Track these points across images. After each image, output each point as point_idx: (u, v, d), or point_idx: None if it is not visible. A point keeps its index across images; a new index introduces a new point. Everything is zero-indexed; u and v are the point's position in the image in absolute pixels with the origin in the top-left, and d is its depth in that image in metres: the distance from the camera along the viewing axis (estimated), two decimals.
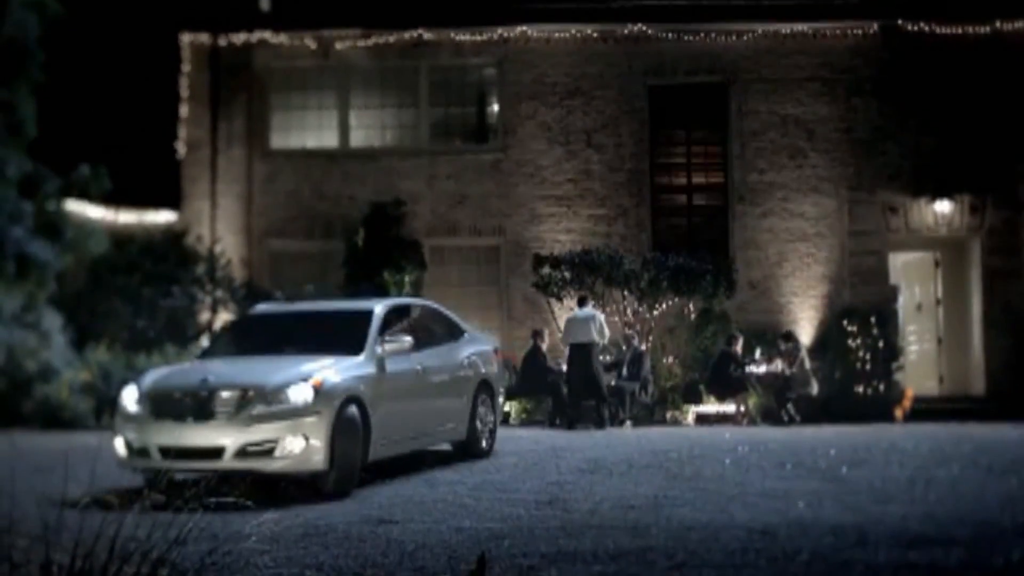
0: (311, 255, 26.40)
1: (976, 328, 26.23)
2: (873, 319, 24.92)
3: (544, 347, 23.55)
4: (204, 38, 26.82)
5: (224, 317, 25.21)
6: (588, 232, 26.17)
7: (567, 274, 24.38)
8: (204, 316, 25.27)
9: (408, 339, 14.28)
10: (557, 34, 26.59)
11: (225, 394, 12.47)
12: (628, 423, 22.34)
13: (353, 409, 12.92)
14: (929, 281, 27.44)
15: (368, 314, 14.46)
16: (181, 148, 26.79)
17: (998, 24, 26.18)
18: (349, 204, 26.17)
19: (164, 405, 12.64)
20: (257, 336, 14.85)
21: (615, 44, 26.59)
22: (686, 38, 26.44)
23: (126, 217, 26.32)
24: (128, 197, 25.93)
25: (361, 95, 27.21)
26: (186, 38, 26.85)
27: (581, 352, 21.88)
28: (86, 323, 24.00)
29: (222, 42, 26.75)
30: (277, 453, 12.28)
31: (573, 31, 26.57)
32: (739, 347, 23.70)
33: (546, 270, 24.57)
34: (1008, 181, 25.99)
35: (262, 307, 16.12)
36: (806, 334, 25.32)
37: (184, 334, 24.36)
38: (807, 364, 23.64)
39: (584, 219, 26.38)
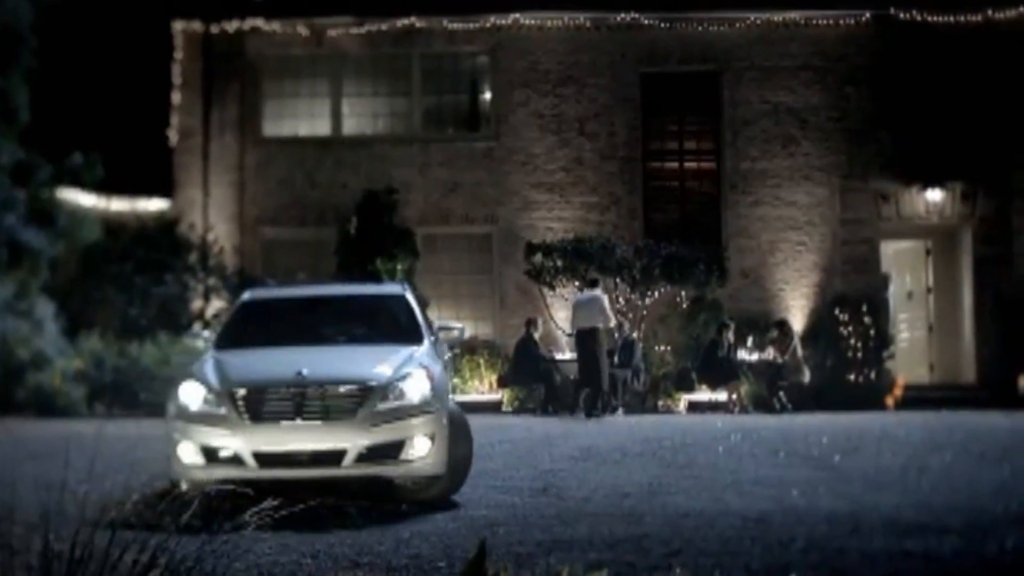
0: (304, 243, 26.39)
1: (967, 316, 26.30)
2: (864, 307, 25.00)
3: (537, 335, 23.60)
4: (196, 26, 26.78)
5: (216, 305, 25.23)
6: (580, 220, 26.19)
7: (559, 262, 24.42)
8: (196, 304, 25.28)
9: (460, 325, 13.57)
10: (550, 22, 26.60)
11: (333, 389, 10.88)
12: (620, 411, 22.38)
13: (453, 403, 11.91)
14: (920, 269, 27.50)
15: (401, 298, 13.20)
16: (173, 136, 26.76)
17: (990, 13, 26.22)
18: (342, 192, 26.17)
19: (258, 403, 10.81)
20: (281, 323, 12.97)
21: (608, 32, 26.60)
22: (679, 26, 26.46)
23: (118, 205, 26.32)
24: (121, 185, 25.92)
25: (354, 83, 27.21)
26: (178, 26, 26.82)
27: (584, 338, 21.66)
28: (79, 311, 24.02)
29: (214, 30, 26.72)
30: (403, 456, 10.82)
31: (566, 19, 26.57)
32: (731, 335, 23.76)
33: (538, 258, 24.62)
34: (999, 170, 26.05)
35: (264, 291, 14.17)
36: (798, 322, 25.37)
37: (176, 322, 24.37)
38: (799, 352, 23.70)
39: (576, 207, 26.41)
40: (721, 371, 23.45)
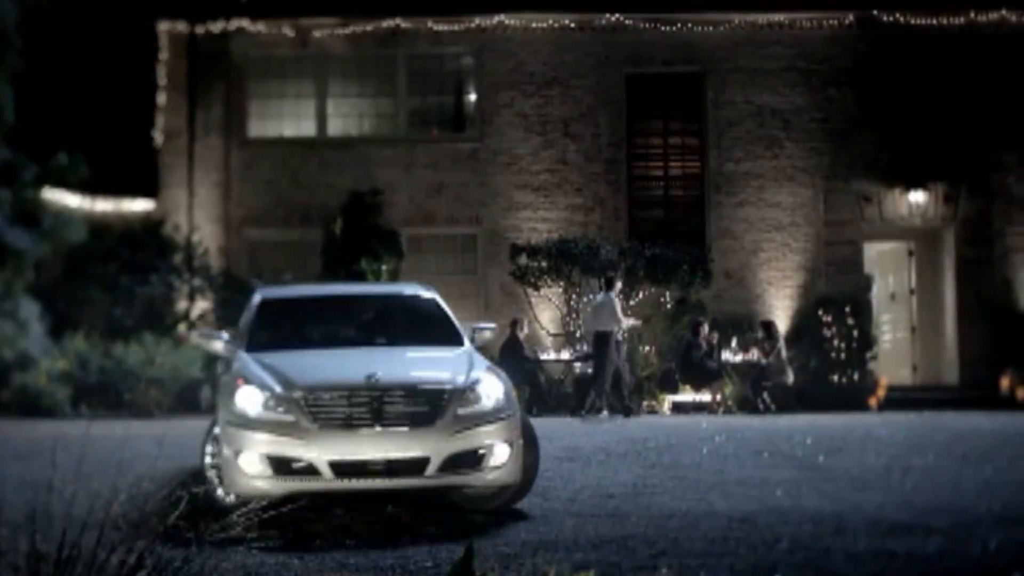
0: (289, 244, 26.38)
1: (949, 318, 26.42)
2: (848, 308, 25.10)
3: (522, 336, 23.65)
4: (182, 26, 26.77)
5: (201, 305, 25.25)
6: (565, 221, 26.25)
7: (544, 263, 24.46)
8: (181, 305, 25.27)
9: (492, 325, 12.86)
10: (535, 23, 26.65)
11: (411, 393, 10.18)
12: (604, 412, 22.42)
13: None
14: (903, 271, 27.60)
15: (433, 300, 12.48)
16: (159, 137, 26.75)
17: (972, 15, 26.36)
18: (327, 193, 26.16)
19: (330, 409, 10.02)
20: (312, 324, 12.31)
21: (592, 33, 26.66)
22: (663, 28, 26.52)
23: (103, 205, 26.28)
24: (106, 185, 25.86)
25: (339, 84, 27.23)
26: (164, 26, 26.80)
27: (596, 340, 21.74)
28: (63, 311, 23.98)
29: (200, 30, 26.71)
30: (485, 464, 10.19)
31: (551, 20, 26.63)
32: (706, 333, 23.80)
33: (523, 259, 24.65)
34: (981, 171, 26.19)
35: (279, 291, 13.45)
36: (781, 323, 25.44)
37: (162, 322, 24.37)
38: (783, 353, 23.78)
39: (561, 208, 26.46)
40: (697, 372, 23.51)
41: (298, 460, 9.87)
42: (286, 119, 27.21)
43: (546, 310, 24.91)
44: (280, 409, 10.00)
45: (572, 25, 26.63)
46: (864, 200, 26.32)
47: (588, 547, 8.72)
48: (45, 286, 24.21)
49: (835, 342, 24.85)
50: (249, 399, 10.13)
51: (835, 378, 24.66)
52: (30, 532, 5.63)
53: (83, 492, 6.27)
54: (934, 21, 26.36)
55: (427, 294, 12.65)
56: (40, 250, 23.68)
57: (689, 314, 24.76)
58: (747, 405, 23.35)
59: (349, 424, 9.97)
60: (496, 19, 26.61)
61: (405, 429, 9.98)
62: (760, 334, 24.18)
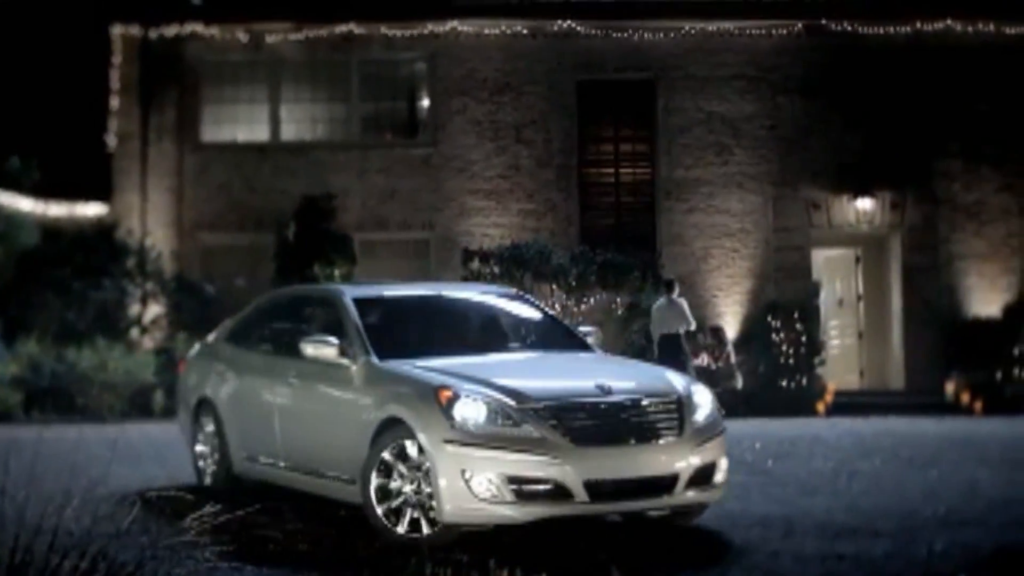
0: (242, 248, 26.35)
1: (896, 323, 26.69)
2: (796, 314, 25.31)
3: None
4: (135, 30, 26.69)
5: (154, 310, 25.19)
6: (517, 227, 26.36)
7: (496, 269, 24.50)
8: (134, 309, 25.20)
9: (593, 329, 11.79)
10: (487, 30, 26.75)
11: (649, 404, 9.23)
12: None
13: None
14: (850, 277, 27.84)
15: (533, 302, 11.89)
16: (111, 141, 26.65)
17: (919, 25, 26.66)
18: (280, 197, 26.14)
19: (577, 424, 8.88)
20: (431, 328, 11.05)
21: (544, 40, 26.78)
22: (614, 35, 26.69)
23: (56, 209, 26.15)
24: (58, 190, 25.77)
25: (292, 89, 27.24)
26: (116, 30, 26.70)
27: (667, 343, 21.35)
28: (16, 315, 23.84)
29: (153, 34, 26.64)
30: (715, 479, 9.45)
31: (503, 27, 26.74)
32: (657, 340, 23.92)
33: (475, 264, 24.69)
34: (928, 179, 26.52)
35: (368, 290, 11.63)
36: (731, 329, 25.65)
37: (114, 327, 24.30)
38: (732, 358, 23.96)
39: (513, 214, 26.58)
40: None
41: (546, 481, 8.68)
42: (239, 124, 27.19)
43: None
44: (520, 425, 8.79)
45: (524, 32, 26.75)
46: (812, 207, 26.58)
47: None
48: None
49: (783, 347, 25.07)
50: (474, 413, 8.85)
51: (783, 383, 24.86)
52: None
53: (35, 497, 6.29)
54: (881, 30, 26.65)
55: (531, 298, 12.14)
56: None
57: (640, 319, 24.86)
58: None
59: (603, 440, 8.89)
60: (449, 25, 26.69)
61: (659, 443, 9.07)
62: (709, 339, 24.35)
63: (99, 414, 22.20)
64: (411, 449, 9.02)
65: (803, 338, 25.18)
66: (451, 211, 26.58)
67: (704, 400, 9.58)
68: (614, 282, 24.71)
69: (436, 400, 8.91)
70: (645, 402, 9.17)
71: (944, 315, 26.11)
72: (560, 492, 8.63)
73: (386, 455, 9.15)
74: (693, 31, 26.72)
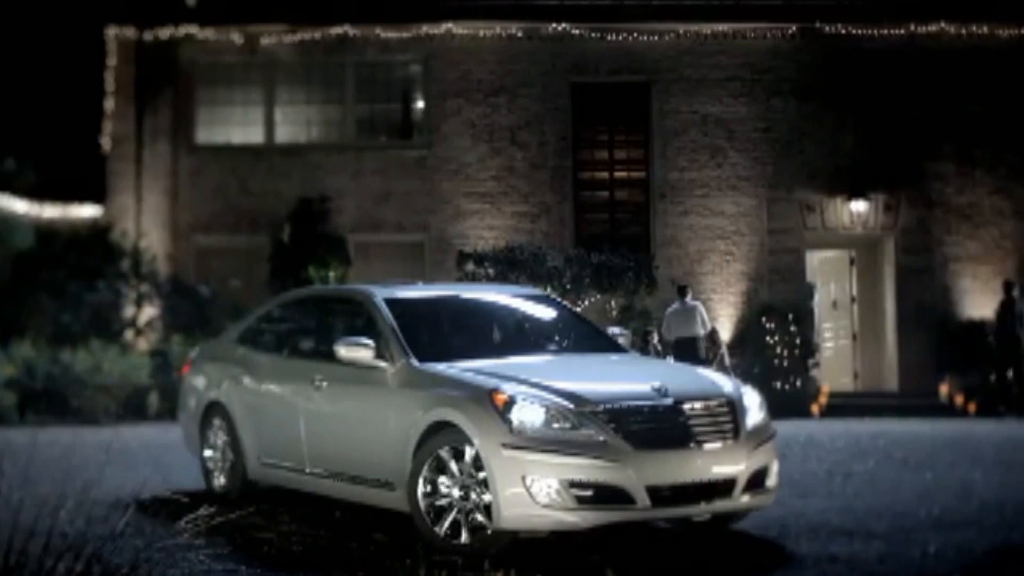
0: (236, 250, 26.38)
1: (890, 325, 26.71)
2: (790, 316, 25.32)
3: None
4: (129, 32, 26.72)
5: (149, 312, 25.19)
6: (512, 229, 26.38)
7: (491, 271, 24.53)
8: (129, 311, 25.20)
9: (623, 330, 11.44)
10: (482, 32, 26.78)
11: (705, 406, 9.03)
12: None
13: None
14: (844, 279, 27.86)
15: (563, 304, 11.70)
16: (106, 143, 26.67)
17: (912, 27, 26.71)
18: (275, 200, 26.19)
19: (637, 427, 8.67)
20: (459, 329, 10.85)
21: (539, 42, 26.81)
22: (609, 37, 26.71)
23: (51, 211, 26.18)
24: (53, 192, 25.81)
25: (287, 91, 27.25)
26: (111, 32, 26.73)
27: (683, 346, 21.59)
28: (10, 317, 23.84)
29: (147, 36, 26.67)
30: (767, 483, 9.29)
31: (498, 29, 26.76)
32: (654, 340, 23.97)
33: (470, 267, 24.72)
34: (921, 181, 26.55)
35: (400, 291, 11.10)
36: (725, 331, 25.68)
37: (109, 329, 24.30)
38: (726, 361, 23.98)
39: (508, 216, 26.60)
40: None
41: (608, 486, 8.42)
42: (234, 126, 27.20)
43: None
44: (579, 429, 8.52)
45: (519, 34, 26.77)
46: (806, 209, 26.62)
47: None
48: None
49: (778, 349, 25.09)
50: (531, 417, 8.56)
51: (778, 385, 24.86)
52: None
53: (30, 499, 6.28)
54: (875, 32, 26.70)
55: (559, 299, 11.82)
56: None
57: (635, 321, 24.90)
58: None
59: (665, 443, 8.67)
60: (444, 27, 26.71)
61: (718, 446, 8.85)
62: (704, 342, 24.35)
63: (94, 416, 22.19)
64: (461, 454, 8.76)
65: (797, 340, 25.20)
66: (446, 213, 26.60)
67: (754, 402, 9.42)
68: (608, 284, 24.73)
69: (491, 403, 8.64)
70: (700, 405, 8.95)
71: (938, 317, 26.14)
72: (623, 497, 8.40)
73: (434, 460, 8.91)
74: (688, 34, 26.76)
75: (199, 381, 12.45)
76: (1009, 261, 26.51)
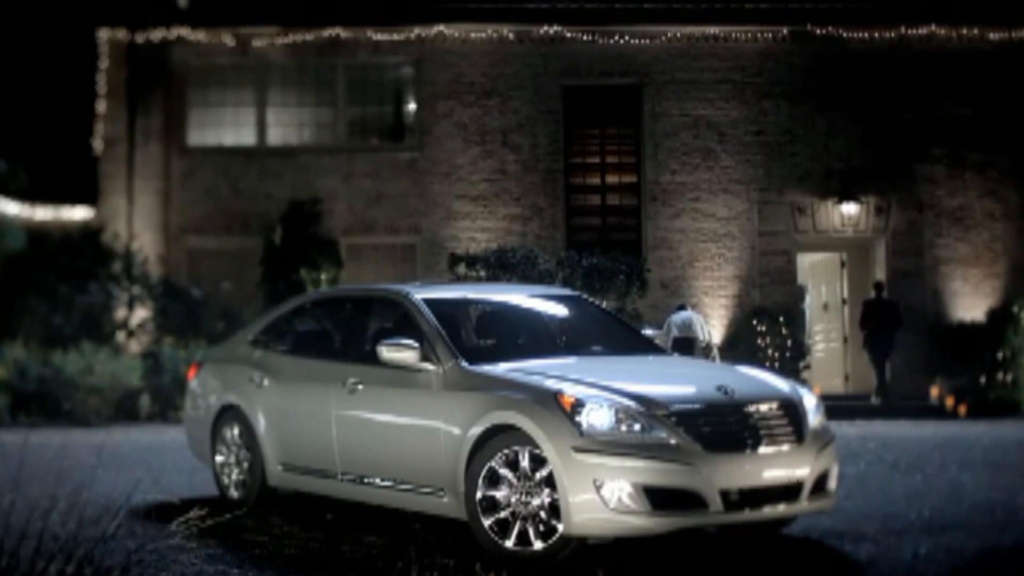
0: (228, 252, 26.38)
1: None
2: (782, 318, 25.38)
3: None
4: (122, 34, 26.71)
5: (141, 314, 25.19)
6: (504, 231, 26.40)
7: (483, 273, 24.51)
8: (121, 313, 25.18)
9: (656, 331, 11.42)
10: (474, 34, 26.80)
11: (769, 408, 8.78)
12: None
13: None
14: (835, 281, 27.91)
15: (597, 305, 11.51)
16: (98, 144, 26.67)
17: (903, 30, 26.78)
18: (266, 202, 26.21)
19: (708, 429, 8.44)
20: (498, 330, 10.55)
21: (531, 45, 26.84)
22: (600, 40, 26.75)
23: (43, 213, 26.17)
24: (45, 193, 25.81)
25: (279, 93, 27.25)
26: (103, 34, 26.72)
27: (680, 346, 21.71)
28: (2, 319, 23.85)
29: (140, 38, 26.65)
30: (829, 486, 9.09)
31: (489, 31, 26.78)
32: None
33: (462, 269, 24.69)
34: (912, 183, 26.61)
35: (433, 291, 10.62)
36: (717, 333, 25.71)
37: (101, 331, 24.29)
38: (718, 362, 23.98)
39: (500, 218, 26.62)
40: None
41: (684, 490, 8.19)
42: (226, 128, 27.20)
43: None
44: (650, 431, 8.27)
45: (511, 36, 26.80)
46: (798, 211, 26.67)
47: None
48: None
49: (769, 351, 25.13)
50: (600, 419, 8.28)
51: None
52: None
53: (21, 501, 6.28)
54: (866, 35, 26.77)
55: (591, 300, 11.55)
56: None
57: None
58: None
59: (734, 446, 8.43)
60: (435, 29, 26.73)
61: (785, 448, 8.62)
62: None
63: (85, 419, 22.20)
64: (523, 458, 8.46)
65: (788, 342, 25.25)
66: (437, 215, 26.61)
67: (812, 404, 9.20)
68: (600, 286, 24.73)
69: (558, 406, 8.35)
70: (764, 407, 8.73)
71: (928, 320, 26.20)
72: (697, 501, 8.17)
73: (494, 464, 8.57)
74: (679, 36, 26.80)
75: (210, 384, 11.96)
76: (999, 263, 26.58)
